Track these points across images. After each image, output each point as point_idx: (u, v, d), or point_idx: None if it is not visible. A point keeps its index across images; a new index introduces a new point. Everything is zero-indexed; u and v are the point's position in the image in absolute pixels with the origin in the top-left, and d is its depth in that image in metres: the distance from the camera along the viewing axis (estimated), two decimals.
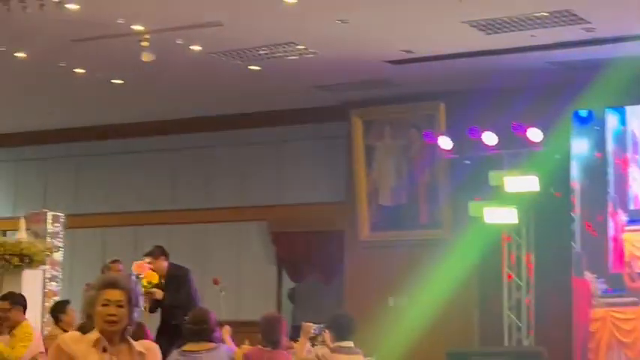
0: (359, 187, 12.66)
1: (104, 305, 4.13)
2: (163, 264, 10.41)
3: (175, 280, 10.35)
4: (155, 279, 10.26)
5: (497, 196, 11.25)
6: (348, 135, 12.85)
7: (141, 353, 4.09)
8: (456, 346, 10.94)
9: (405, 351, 10.66)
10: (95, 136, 15.07)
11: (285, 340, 8.30)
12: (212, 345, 7.75)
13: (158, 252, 10.53)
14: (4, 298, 8.98)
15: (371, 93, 12.38)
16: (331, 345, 7.93)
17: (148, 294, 10.10)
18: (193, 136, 14.57)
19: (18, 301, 8.95)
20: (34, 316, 10.88)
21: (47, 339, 9.09)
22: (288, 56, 10.95)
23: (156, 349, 4.19)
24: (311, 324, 8.40)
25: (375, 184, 12.68)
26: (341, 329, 7.95)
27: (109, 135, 14.95)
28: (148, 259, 10.40)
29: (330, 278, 13.59)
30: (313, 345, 8.38)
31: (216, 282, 10.90)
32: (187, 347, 7.70)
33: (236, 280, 14.04)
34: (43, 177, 15.52)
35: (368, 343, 9.67)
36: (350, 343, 7.95)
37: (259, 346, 8.07)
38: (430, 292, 11.57)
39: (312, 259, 13.77)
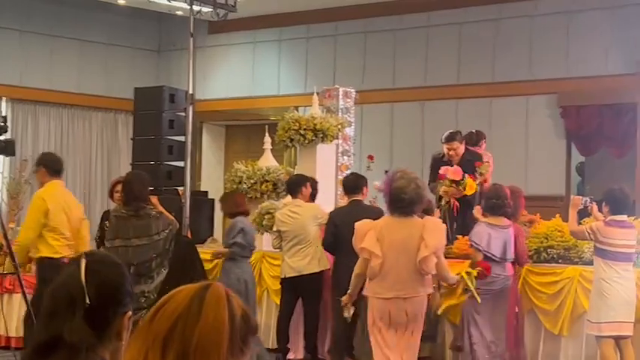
0: None
1: None
2: (462, 149, 9.94)
3: (470, 165, 9.86)
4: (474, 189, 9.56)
5: None
6: None
7: None
8: None
9: None
10: (381, 12, 15.19)
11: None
12: (507, 222, 8.05)
13: (461, 136, 10.03)
14: None
15: None
16: (604, 218, 7.87)
17: None
18: (480, 9, 14.38)
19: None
20: (329, 187, 11.31)
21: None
22: None
23: None
24: (580, 197, 8.32)
25: None
26: (616, 203, 7.87)
27: (393, 11, 15.03)
28: (451, 145, 9.87)
29: (623, 152, 13.19)
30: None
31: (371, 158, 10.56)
32: (490, 220, 8.12)
33: (523, 154, 13.92)
34: (332, 53, 15.86)
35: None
36: (624, 217, 7.85)
37: None
38: None
39: (604, 133, 13.37)
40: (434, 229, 6.43)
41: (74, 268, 2.46)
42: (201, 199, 12.71)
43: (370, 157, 10.38)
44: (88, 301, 2.39)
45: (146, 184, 9.22)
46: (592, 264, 8.48)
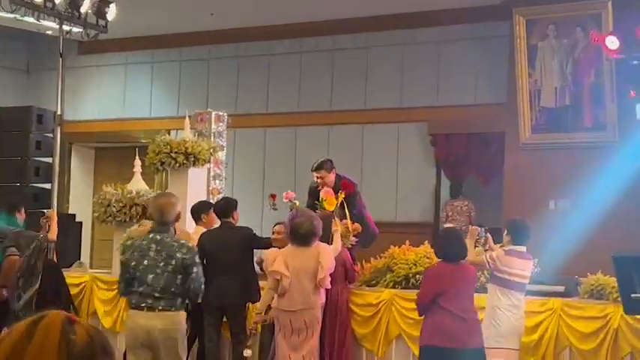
0: (521, 88, 12.40)
1: None
2: (333, 177, 9.78)
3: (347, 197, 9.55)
4: (334, 205, 9.33)
5: None
6: (510, 35, 12.55)
7: None
8: (618, 250, 10.70)
9: (566, 254, 10.50)
10: (254, 37, 15.21)
11: None
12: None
13: (330, 165, 9.86)
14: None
15: None
16: (504, 247, 8.06)
17: None
18: (352, 37, 14.54)
19: None
20: None
21: None
22: None
23: None
24: (476, 227, 8.48)
25: (538, 85, 12.40)
26: (518, 234, 8.09)
27: (268, 36, 15.06)
28: (319, 173, 9.73)
29: (489, 180, 13.48)
30: (476, 247, 8.45)
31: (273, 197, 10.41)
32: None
33: (394, 181, 14.09)
34: (205, 77, 15.79)
35: (528, 246, 9.59)
36: (523, 248, 8.08)
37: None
38: (593, 195, 11.33)
39: (472, 161, 13.66)
40: (326, 254, 8.00)
41: None
42: (68, 222, 12.44)
43: (272, 196, 10.23)
44: None
45: (12, 209, 9.44)
46: None
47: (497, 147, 13.09)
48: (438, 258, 7.92)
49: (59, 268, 10.11)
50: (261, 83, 15.30)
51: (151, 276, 7.05)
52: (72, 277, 10.53)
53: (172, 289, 7.03)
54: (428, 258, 9.12)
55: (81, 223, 13.20)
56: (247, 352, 8.39)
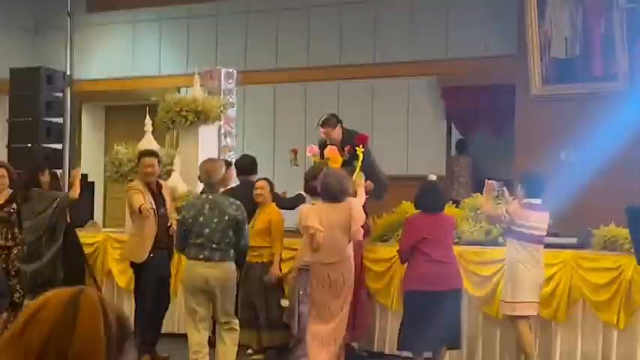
0: (530, 40, 12.29)
1: None
2: (339, 132, 9.71)
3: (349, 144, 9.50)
4: (339, 163, 9.31)
5: None
6: None
7: None
8: (631, 201, 10.68)
9: (578, 205, 10.50)
10: None
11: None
12: None
13: (335, 120, 9.78)
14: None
15: None
16: (519, 201, 8.09)
17: None
18: None
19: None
20: None
21: None
22: None
23: None
24: (493, 181, 8.49)
25: (548, 36, 12.29)
26: (533, 187, 8.13)
27: None
28: (324, 129, 9.69)
29: (501, 132, 13.45)
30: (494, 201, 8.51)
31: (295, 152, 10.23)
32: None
33: (405, 135, 14.06)
34: (213, 34, 15.71)
35: (543, 199, 9.58)
36: (539, 201, 8.08)
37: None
38: (605, 145, 11.27)
39: (482, 114, 13.61)
40: (356, 207, 8.15)
41: None
42: (81, 182, 12.48)
43: (294, 151, 10.12)
44: None
45: (34, 170, 9.72)
46: (471, 244, 8.68)
47: (507, 99, 13.01)
48: (418, 209, 8.46)
49: (73, 228, 10.19)
50: (269, 39, 15.22)
51: (207, 230, 7.91)
52: (86, 236, 10.61)
53: (227, 241, 7.90)
54: None
55: (93, 182, 13.24)
56: (284, 302, 8.90)
